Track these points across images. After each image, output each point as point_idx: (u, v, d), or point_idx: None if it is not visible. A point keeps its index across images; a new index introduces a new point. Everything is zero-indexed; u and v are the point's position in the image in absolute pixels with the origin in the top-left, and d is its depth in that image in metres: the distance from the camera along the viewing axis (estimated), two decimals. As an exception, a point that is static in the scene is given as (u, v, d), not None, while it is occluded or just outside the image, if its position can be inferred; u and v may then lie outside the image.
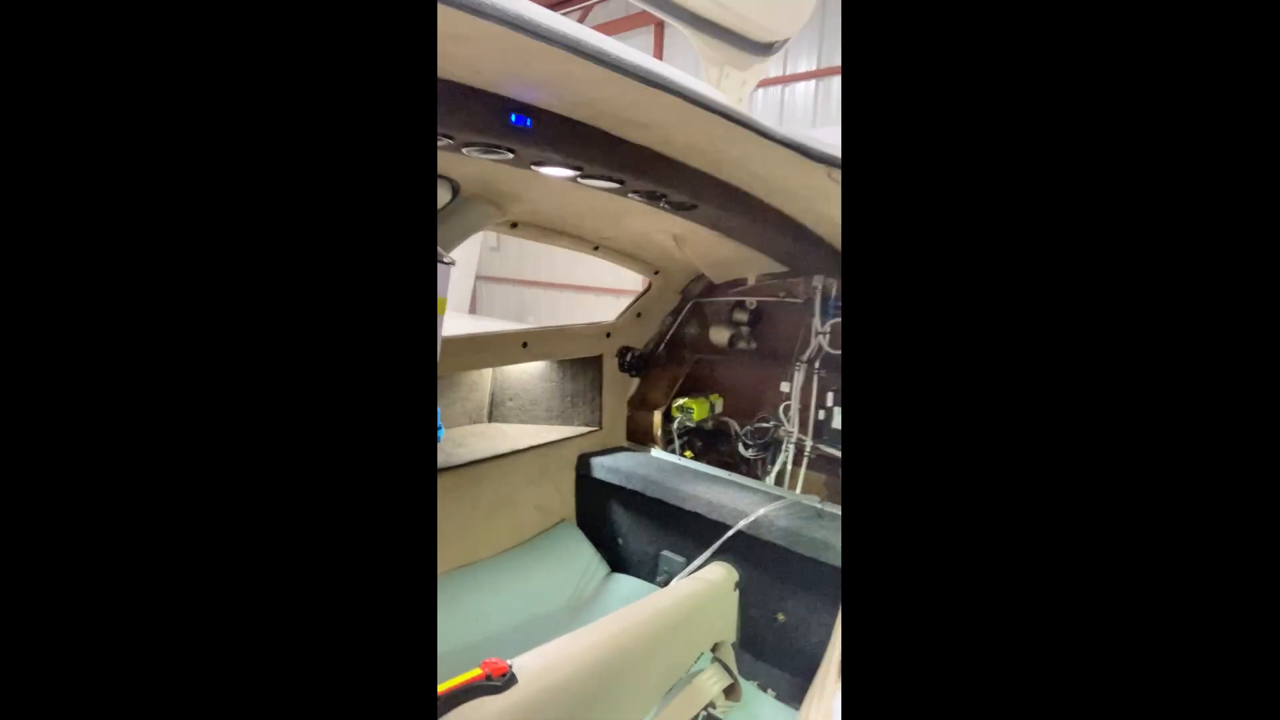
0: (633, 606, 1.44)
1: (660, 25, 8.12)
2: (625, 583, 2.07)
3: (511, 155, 1.07)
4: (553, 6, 4.83)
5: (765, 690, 1.75)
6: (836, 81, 7.00)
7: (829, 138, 1.09)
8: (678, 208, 1.42)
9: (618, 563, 2.18)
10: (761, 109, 7.35)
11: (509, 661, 1.13)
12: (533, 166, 1.15)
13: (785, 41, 1.08)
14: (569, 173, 1.17)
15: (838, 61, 6.91)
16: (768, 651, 1.79)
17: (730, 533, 1.74)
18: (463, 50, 0.79)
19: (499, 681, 1.09)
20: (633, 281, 6.82)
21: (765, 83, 7.44)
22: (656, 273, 2.26)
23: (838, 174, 1.15)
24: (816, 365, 2.05)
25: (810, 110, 7.23)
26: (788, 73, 7.27)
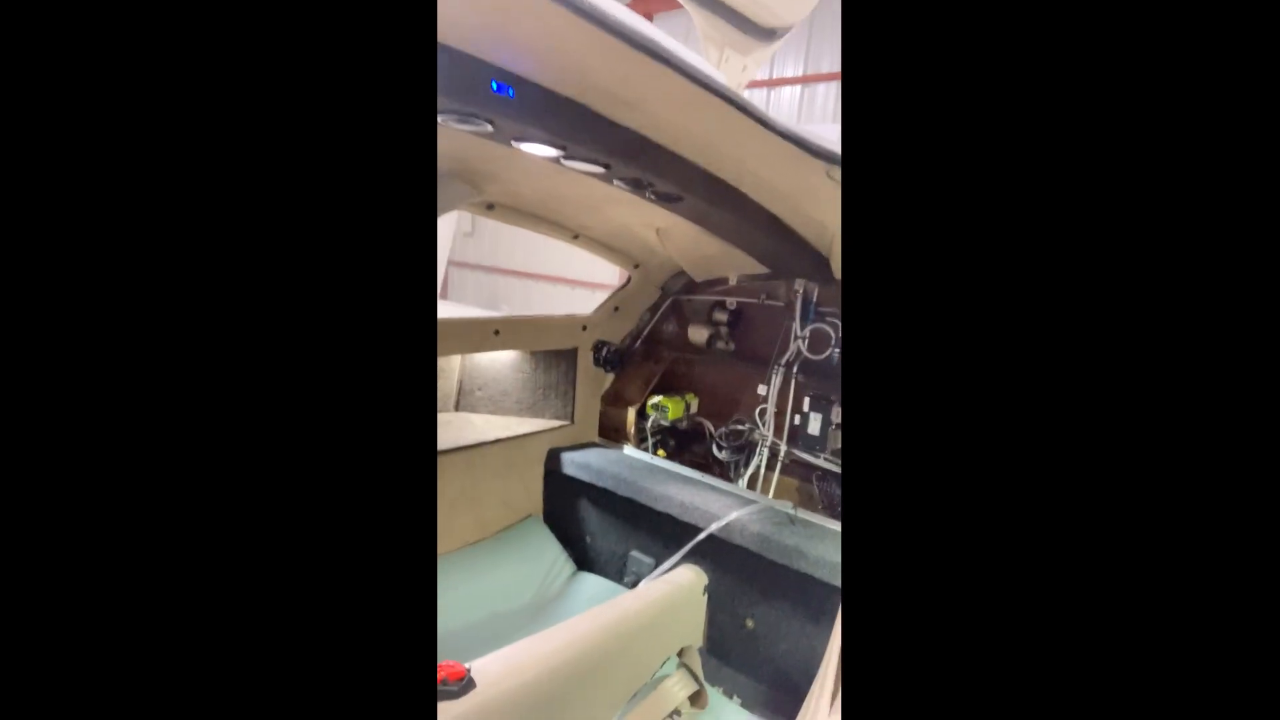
0: (599, 608, 1.39)
1: (649, 18, 8.06)
2: (592, 582, 2.01)
3: (490, 128, 1.00)
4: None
5: (731, 697, 1.72)
6: (822, 88, 7.05)
7: (828, 133, 1.05)
8: (663, 199, 1.37)
9: (585, 562, 2.13)
10: (746, 110, 7.36)
11: (467, 665, 1.06)
12: (513, 142, 1.09)
13: (788, 30, 1.03)
14: (553, 152, 1.11)
15: (824, 68, 6.96)
16: (735, 658, 1.75)
17: (701, 535, 1.70)
18: (441, 2, 0.73)
19: (455, 686, 1.03)
20: (610, 276, 6.77)
21: (750, 85, 7.44)
22: (636, 266, 2.21)
23: (836, 172, 1.11)
24: (795, 369, 2.02)
25: (795, 116, 7.25)
26: (774, 76, 7.29)
